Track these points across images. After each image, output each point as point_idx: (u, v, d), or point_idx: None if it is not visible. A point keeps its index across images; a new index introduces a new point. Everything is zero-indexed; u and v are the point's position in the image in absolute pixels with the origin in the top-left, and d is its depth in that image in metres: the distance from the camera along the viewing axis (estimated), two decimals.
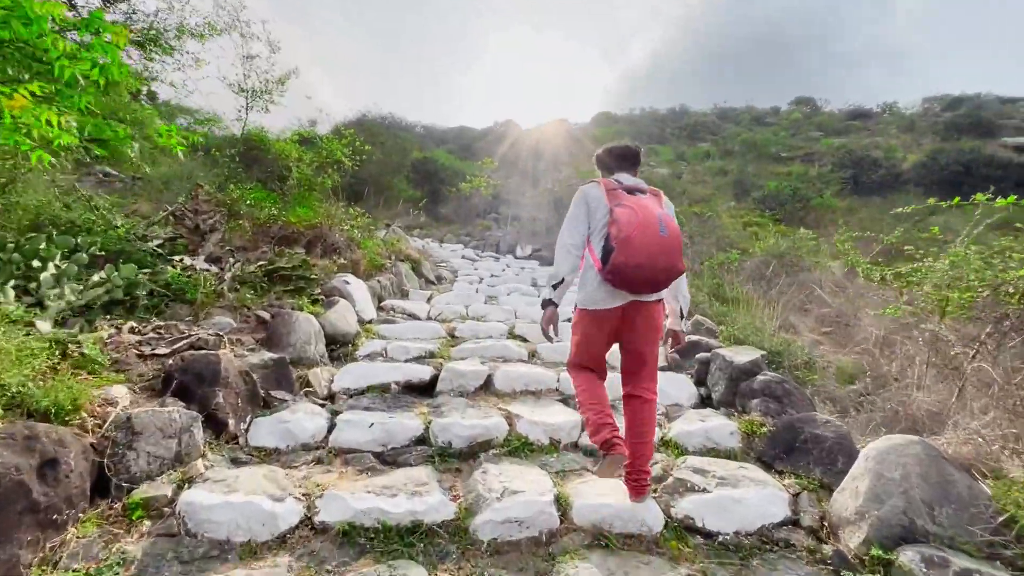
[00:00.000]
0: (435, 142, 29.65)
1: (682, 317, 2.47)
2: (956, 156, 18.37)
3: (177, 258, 4.26)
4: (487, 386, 3.53)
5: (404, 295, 6.15)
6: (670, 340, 2.47)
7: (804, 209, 15.47)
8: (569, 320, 2.55)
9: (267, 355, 3.26)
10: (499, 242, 12.21)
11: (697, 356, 4.00)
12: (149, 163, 6.64)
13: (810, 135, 32.39)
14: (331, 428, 2.87)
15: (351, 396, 3.31)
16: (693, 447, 2.93)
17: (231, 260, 4.59)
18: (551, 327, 2.33)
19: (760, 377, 3.41)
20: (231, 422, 2.69)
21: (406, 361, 3.82)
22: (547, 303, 2.33)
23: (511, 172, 28.98)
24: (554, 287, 2.31)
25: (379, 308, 5.21)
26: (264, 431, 2.76)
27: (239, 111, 9.30)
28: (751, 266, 6.73)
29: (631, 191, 2.30)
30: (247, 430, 2.77)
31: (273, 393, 3.07)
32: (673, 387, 3.67)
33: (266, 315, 3.80)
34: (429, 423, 2.92)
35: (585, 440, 2.94)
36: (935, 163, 18.58)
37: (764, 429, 3.04)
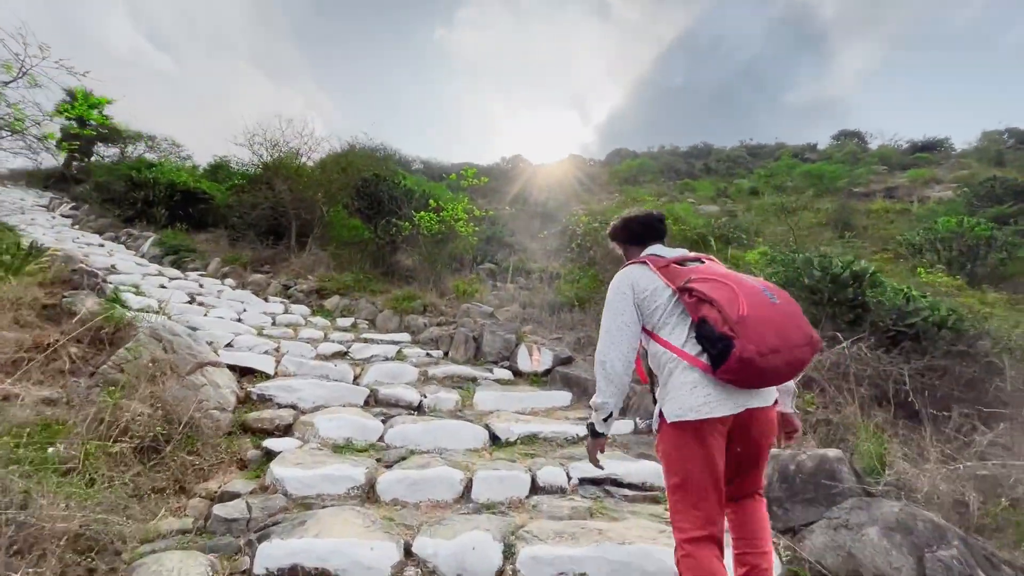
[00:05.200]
0: (435, 179, 23.71)
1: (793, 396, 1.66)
2: None
3: None
4: None
5: None
6: (783, 429, 1.66)
7: (1010, 261, 8.75)
8: None
9: None
10: (481, 332, 5.52)
11: None
12: None
13: (875, 168, 25.97)
14: None
15: None
16: None
17: None
18: (599, 452, 1.69)
19: None
20: None
21: None
22: (594, 433, 1.65)
23: (519, 210, 22.65)
24: (604, 420, 1.61)
25: None
26: None
27: None
28: None
29: (683, 263, 1.64)
30: None
31: None
32: None
33: None
34: None
35: None
36: None
37: None
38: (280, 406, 3.41)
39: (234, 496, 2.39)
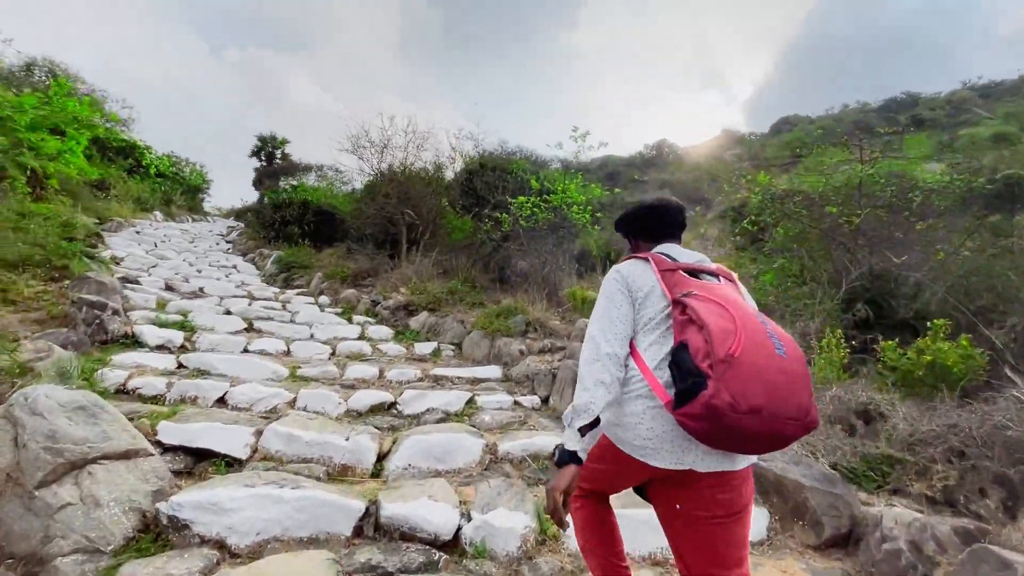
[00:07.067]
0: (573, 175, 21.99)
1: None
2: None
3: None
4: None
5: None
6: None
7: None
8: None
9: None
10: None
11: None
12: None
13: None
14: None
15: None
16: None
17: None
18: (562, 500, 1.10)
19: None
20: None
21: None
22: (565, 457, 1.13)
23: (667, 196, 19.73)
24: (580, 430, 1.12)
25: None
26: None
27: None
28: None
29: (695, 273, 1.26)
30: None
31: None
32: None
33: None
34: None
35: None
36: None
37: None
38: (203, 540, 1.88)
39: None
